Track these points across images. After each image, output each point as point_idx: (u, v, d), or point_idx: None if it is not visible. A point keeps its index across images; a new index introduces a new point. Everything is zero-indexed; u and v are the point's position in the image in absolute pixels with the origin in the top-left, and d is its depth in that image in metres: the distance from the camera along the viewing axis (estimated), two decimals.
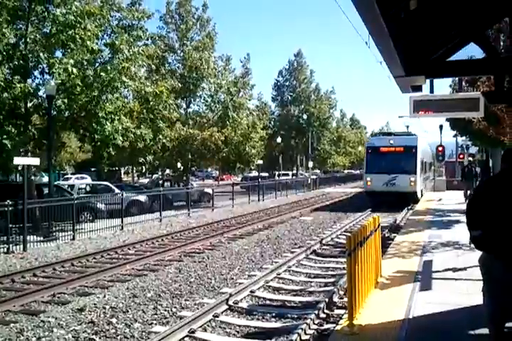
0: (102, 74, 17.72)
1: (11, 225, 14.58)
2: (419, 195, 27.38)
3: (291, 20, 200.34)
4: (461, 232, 13.78)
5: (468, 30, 7.21)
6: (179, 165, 34.05)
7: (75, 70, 16.90)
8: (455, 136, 37.75)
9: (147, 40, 21.21)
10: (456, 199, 24.77)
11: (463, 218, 17.65)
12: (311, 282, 10.66)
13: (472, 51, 7.71)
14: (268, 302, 9.23)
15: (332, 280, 10.66)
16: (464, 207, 18.10)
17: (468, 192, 22.95)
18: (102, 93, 18.19)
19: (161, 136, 22.54)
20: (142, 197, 23.68)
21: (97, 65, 18.78)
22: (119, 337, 7.51)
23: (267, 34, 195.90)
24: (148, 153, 26.19)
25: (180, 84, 30.31)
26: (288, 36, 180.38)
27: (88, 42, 17.41)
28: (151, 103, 21.15)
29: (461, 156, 37.96)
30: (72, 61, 17.00)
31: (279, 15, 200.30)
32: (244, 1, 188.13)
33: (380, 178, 26.52)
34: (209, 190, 30.33)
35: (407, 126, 35.48)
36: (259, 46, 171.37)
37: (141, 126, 21.05)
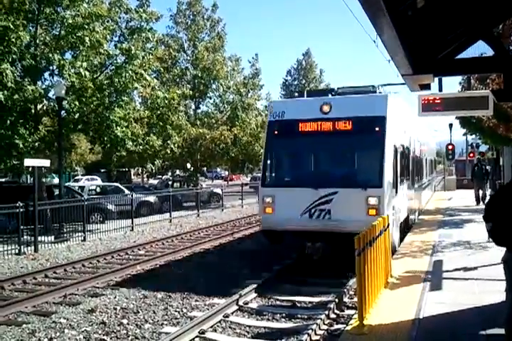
0: (115, 79, 17.87)
1: (22, 226, 14.69)
2: (393, 238, 10.80)
3: (298, 19, 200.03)
4: (471, 232, 13.70)
5: (477, 28, 7.16)
6: (189, 165, 34.13)
7: (87, 74, 17.05)
8: (465, 134, 37.46)
9: (156, 42, 21.29)
10: (466, 199, 24.51)
11: (473, 217, 17.51)
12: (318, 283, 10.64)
13: (481, 49, 7.66)
14: (278, 302, 9.21)
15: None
16: (474, 206, 17.91)
17: (480, 191, 22.18)
18: (114, 97, 18.33)
19: (169, 142, 22.67)
20: (152, 198, 23.76)
21: (109, 68, 18.91)
22: (130, 338, 7.54)
23: (273, 32, 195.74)
24: (157, 158, 26.33)
25: (190, 86, 30.45)
26: (294, 35, 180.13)
27: (105, 46, 17.61)
28: (162, 109, 21.26)
29: (471, 155, 37.69)
30: (85, 64, 17.16)
31: (285, 14, 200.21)
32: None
33: (295, 199, 11.32)
34: (218, 191, 30.37)
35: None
36: (264, 44, 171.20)
37: (151, 133, 21.21)
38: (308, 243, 11.31)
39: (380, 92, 12.52)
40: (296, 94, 13.23)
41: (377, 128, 11.25)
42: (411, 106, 14.32)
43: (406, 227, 14.15)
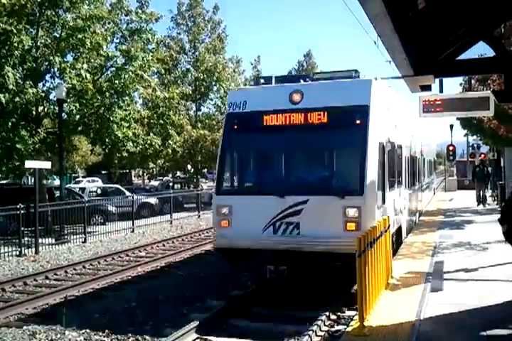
0: (115, 80, 17.92)
1: (23, 228, 14.69)
2: None
3: (299, 20, 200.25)
4: (472, 233, 13.70)
5: (478, 29, 7.17)
6: (189, 167, 34.18)
7: (88, 75, 17.11)
8: (466, 135, 37.51)
9: (157, 43, 21.36)
10: (467, 199, 24.49)
11: (474, 218, 17.46)
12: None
13: (481, 49, 7.67)
14: (279, 304, 9.18)
15: None
16: (475, 207, 17.85)
17: (481, 193, 22.05)
18: (114, 99, 18.38)
19: (170, 142, 22.74)
20: (153, 200, 23.76)
21: (109, 70, 18.97)
22: (130, 339, 7.54)
23: (273, 34, 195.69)
24: (159, 158, 26.39)
25: (190, 88, 30.55)
26: (295, 36, 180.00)
27: (104, 47, 17.68)
28: (161, 108, 21.34)
29: (472, 156, 37.72)
30: (85, 66, 17.23)
31: (286, 16, 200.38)
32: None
33: (256, 209, 9.31)
34: None
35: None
36: (265, 46, 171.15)
37: (151, 132, 21.31)
38: (269, 266, 9.24)
39: (359, 76, 10.07)
40: (262, 80, 10.48)
41: (358, 121, 9.20)
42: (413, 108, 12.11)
43: (398, 239, 11.71)
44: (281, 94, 9.72)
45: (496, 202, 22.26)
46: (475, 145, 39.81)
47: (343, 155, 9.84)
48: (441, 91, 8.69)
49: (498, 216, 6.56)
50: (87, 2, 18.02)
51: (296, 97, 9.57)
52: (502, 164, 24.48)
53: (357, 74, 10.03)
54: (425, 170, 20.14)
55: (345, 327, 6.79)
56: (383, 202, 9.59)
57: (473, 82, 17.58)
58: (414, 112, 9.47)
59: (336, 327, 7.59)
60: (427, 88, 8.29)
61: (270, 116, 9.63)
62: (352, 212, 8.62)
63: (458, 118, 24.41)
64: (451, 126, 33.81)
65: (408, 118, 14.16)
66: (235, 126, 10.06)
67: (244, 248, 9.26)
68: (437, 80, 8.23)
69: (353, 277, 6.62)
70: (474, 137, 35.07)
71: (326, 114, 9.37)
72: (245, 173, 10.70)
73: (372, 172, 8.94)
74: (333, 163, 9.94)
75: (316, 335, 7.19)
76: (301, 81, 10.19)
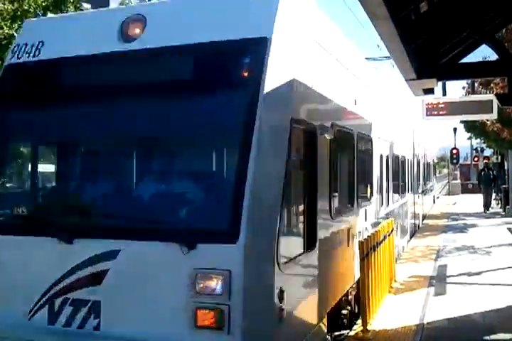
0: None
1: None
2: None
3: None
4: (476, 236, 13.66)
5: (480, 32, 7.15)
6: None
7: None
8: (469, 138, 37.49)
9: None
10: (471, 203, 24.37)
11: (478, 222, 17.43)
12: None
13: (484, 53, 7.68)
14: None
15: None
16: (479, 211, 17.77)
17: (488, 198, 21.59)
18: None
19: None
20: None
21: None
22: None
23: None
24: None
25: None
26: None
27: None
28: None
29: (476, 159, 37.67)
30: None
31: None
32: None
33: (17, 268, 4.11)
34: None
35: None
36: None
37: None
38: None
39: None
40: (88, 4, 4.78)
41: (245, 73, 4.14)
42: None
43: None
44: (108, 25, 4.74)
45: (499, 206, 22.14)
46: (478, 149, 39.79)
47: (207, 150, 4.70)
48: (444, 94, 8.71)
49: (503, 219, 6.56)
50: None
51: (134, 29, 4.59)
52: (506, 167, 24.41)
53: None
54: (420, 175, 16.08)
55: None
56: (308, 247, 4.63)
57: (475, 85, 17.58)
58: (401, 94, 7.48)
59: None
60: (429, 91, 8.28)
61: (77, 68, 4.76)
62: (212, 285, 3.63)
63: (461, 122, 24.36)
64: (455, 130, 33.76)
65: (385, 96, 9.51)
66: (14, 91, 4.97)
67: None
68: (440, 83, 8.23)
69: None
70: (478, 140, 35.07)
71: (184, 59, 4.47)
72: (11, 188, 5.62)
73: (266, 184, 3.91)
74: (185, 167, 4.83)
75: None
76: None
